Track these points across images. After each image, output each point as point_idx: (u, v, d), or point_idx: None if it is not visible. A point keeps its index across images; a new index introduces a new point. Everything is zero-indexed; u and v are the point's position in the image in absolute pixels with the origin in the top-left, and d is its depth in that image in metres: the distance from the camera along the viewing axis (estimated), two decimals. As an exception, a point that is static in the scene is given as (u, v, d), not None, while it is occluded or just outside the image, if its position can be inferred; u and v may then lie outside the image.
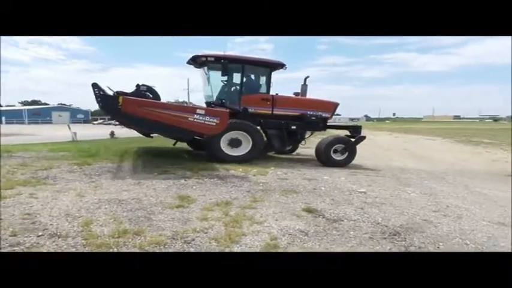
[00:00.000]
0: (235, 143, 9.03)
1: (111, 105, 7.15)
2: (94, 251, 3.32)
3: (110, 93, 7.97)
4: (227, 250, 3.43)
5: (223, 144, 8.93)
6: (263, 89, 10.19)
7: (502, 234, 4.21)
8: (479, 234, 4.18)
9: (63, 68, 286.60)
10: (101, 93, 7.26)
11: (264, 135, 9.69)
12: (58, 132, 27.35)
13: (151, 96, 8.55)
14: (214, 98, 9.88)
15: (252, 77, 10.36)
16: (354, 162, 10.18)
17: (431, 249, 3.69)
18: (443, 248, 3.74)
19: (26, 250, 3.29)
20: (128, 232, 3.74)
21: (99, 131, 28.15)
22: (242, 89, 9.82)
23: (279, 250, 3.47)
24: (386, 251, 3.60)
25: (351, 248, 3.63)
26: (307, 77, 10.66)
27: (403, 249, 3.64)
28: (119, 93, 7.79)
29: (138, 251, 3.35)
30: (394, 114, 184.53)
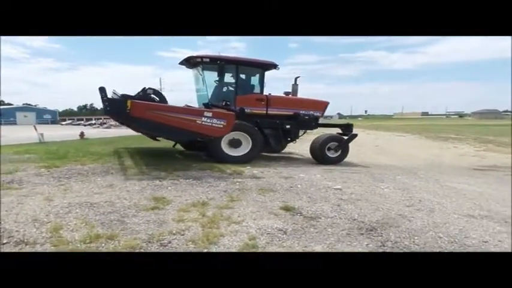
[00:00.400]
0: (235, 144, 9.06)
1: (120, 110, 7.07)
2: (94, 251, 3.30)
3: (109, 96, 7.68)
4: (205, 251, 3.36)
5: (224, 145, 8.94)
6: (257, 89, 10.30)
7: (472, 227, 4.35)
8: (451, 227, 4.30)
9: (27, 66, 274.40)
10: (108, 97, 7.14)
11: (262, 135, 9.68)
12: (23, 133, 26.16)
13: (157, 99, 8.44)
14: (210, 98, 9.75)
15: (246, 77, 10.39)
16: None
17: (406, 243, 3.75)
18: (418, 241, 3.82)
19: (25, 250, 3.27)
20: (101, 237, 3.59)
21: (68, 132, 27.21)
22: (237, 89, 9.85)
23: (259, 250, 3.43)
24: (385, 251, 3.60)
25: (329, 245, 3.64)
26: (298, 77, 10.90)
27: (379, 245, 3.69)
28: (125, 97, 7.62)
29: (137, 251, 3.29)
30: (365, 111, 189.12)
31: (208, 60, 9.42)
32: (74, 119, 71.03)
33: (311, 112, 10.49)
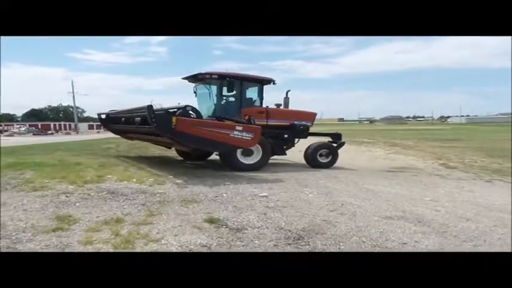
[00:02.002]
0: (247, 153, 9.68)
1: (166, 125, 7.75)
2: (94, 251, 3.36)
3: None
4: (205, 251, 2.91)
5: (239, 154, 9.54)
6: (257, 103, 11.19)
7: (391, 228, 4.50)
8: (372, 230, 4.40)
9: None
10: (155, 113, 7.85)
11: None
12: None
13: (194, 115, 8.99)
14: (215, 112, 10.36)
15: (248, 91, 11.23)
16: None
17: (333, 250, 3.72)
18: (343, 247, 3.81)
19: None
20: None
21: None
22: (242, 103, 10.65)
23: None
24: (384, 250, 3.60)
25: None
26: (289, 90, 11.72)
27: (307, 254, 3.59)
28: (169, 113, 8.42)
29: (137, 251, 3.42)
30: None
31: (216, 76, 10.20)
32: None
33: (303, 122, 11.56)
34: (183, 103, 10.37)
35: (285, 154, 11.31)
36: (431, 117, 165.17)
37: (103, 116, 13.20)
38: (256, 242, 3.88)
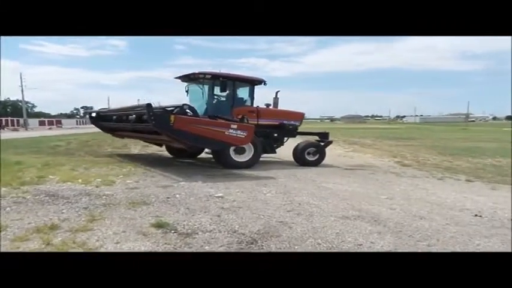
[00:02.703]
0: (240, 151, 9.91)
1: (164, 123, 8.01)
2: (94, 251, 3.31)
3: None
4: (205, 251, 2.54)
5: (232, 152, 9.74)
6: (248, 102, 11.49)
7: (347, 229, 4.39)
8: (329, 231, 4.27)
9: None
10: (154, 112, 8.06)
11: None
12: None
13: (191, 113, 9.09)
14: (207, 111, 10.42)
15: (240, 91, 11.48)
16: (213, 163, 10.08)
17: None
18: (298, 251, 3.63)
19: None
20: None
21: None
22: (234, 102, 10.94)
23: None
24: (386, 251, 3.54)
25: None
26: (278, 91, 12.07)
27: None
28: (167, 111, 8.46)
29: (137, 250, 3.38)
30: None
31: (209, 76, 10.41)
32: None
33: (292, 122, 11.92)
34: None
35: (275, 152, 11.56)
36: (388, 116, 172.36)
37: (93, 115, 13.33)
38: (206, 247, 3.60)
